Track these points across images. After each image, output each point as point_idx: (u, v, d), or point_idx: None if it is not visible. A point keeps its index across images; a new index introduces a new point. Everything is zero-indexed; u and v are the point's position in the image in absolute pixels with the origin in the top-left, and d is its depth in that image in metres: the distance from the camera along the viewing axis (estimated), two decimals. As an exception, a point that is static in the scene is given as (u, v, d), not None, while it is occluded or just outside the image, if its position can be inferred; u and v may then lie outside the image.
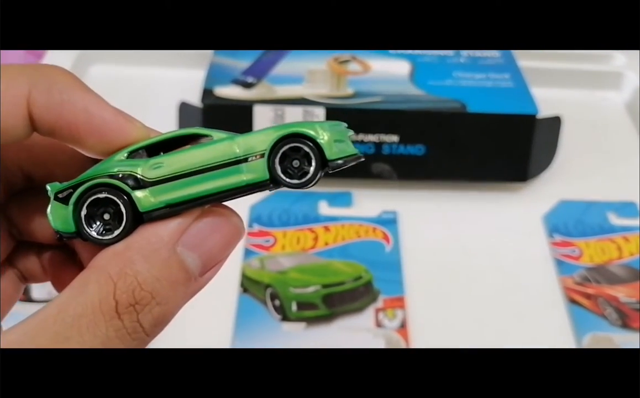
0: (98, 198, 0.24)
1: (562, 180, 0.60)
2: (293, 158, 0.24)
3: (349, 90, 0.58)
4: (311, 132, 0.24)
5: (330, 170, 0.24)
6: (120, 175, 0.24)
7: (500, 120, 0.57)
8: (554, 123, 0.61)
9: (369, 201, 0.58)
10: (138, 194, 0.24)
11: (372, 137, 0.57)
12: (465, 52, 0.65)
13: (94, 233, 0.24)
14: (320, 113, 0.56)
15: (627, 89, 0.71)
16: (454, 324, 0.49)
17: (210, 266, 0.24)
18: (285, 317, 0.49)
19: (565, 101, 0.67)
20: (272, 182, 0.24)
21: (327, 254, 0.53)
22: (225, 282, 0.51)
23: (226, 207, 0.25)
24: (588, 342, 0.47)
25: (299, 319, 0.48)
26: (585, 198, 0.59)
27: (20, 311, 0.43)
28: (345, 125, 0.26)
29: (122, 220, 0.24)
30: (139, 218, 0.24)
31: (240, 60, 0.62)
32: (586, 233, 0.55)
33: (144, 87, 0.68)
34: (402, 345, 0.47)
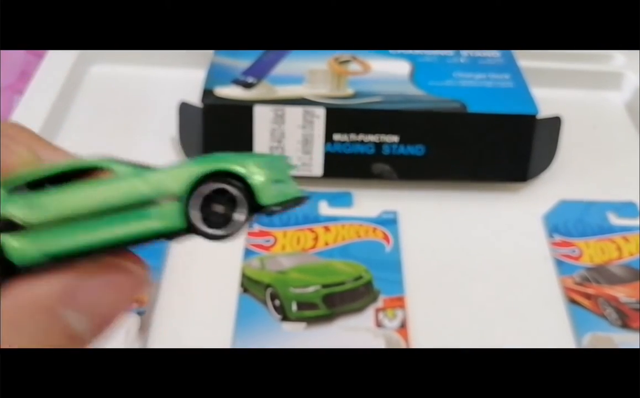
0: None
1: (562, 180, 0.60)
2: (216, 201, 0.20)
3: (349, 90, 0.58)
4: (241, 171, 0.20)
5: (266, 214, 0.20)
6: None
7: (501, 120, 0.57)
8: (554, 123, 0.60)
9: (369, 201, 0.57)
10: (13, 243, 0.20)
11: (372, 137, 0.57)
12: (465, 52, 0.65)
13: None
14: (320, 113, 0.56)
15: (627, 89, 0.71)
16: (454, 324, 0.49)
17: (105, 326, 0.21)
18: (286, 317, 0.48)
19: (565, 101, 0.66)
20: (188, 231, 0.20)
21: (327, 254, 0.53)
22: (225, 282, 0.51)
23: (127, 253, 0.21)
24: (588, 342, 0.47)
25: (299, 319, 0.48)
26: (585, 198, 0.58)
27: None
28: (288, 159, 0.23)
29: None
30: (13, 269, 0.20)
31: (241, 60, 0.62)
32: (586, 234, 0.55)
33: (144, 87, 0.68)
34: (402, 345, 0.46)
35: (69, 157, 0.22)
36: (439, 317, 0.49)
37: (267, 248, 0.53)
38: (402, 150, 0.57)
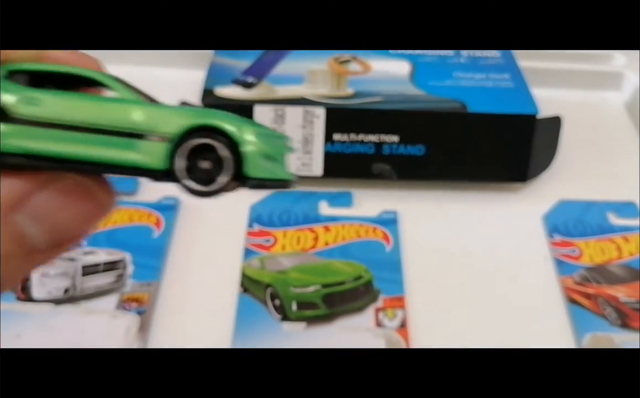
0: None
1: (562, 180, 0.60)
2: (203, 157, 0.20)
3: (349, 90, 0.58)
4: (234, 132, 0.20)
5: (247, 186, 0.20)
6: None
7: (501, 120, 0.57)
8: (554, 123, 0.60)
9: (369, 201, 0.57)
10: None
11: (372, 137, 0.57)
12: (465, 52, 0.65)
13: None
14: (320, 113, 0.56)
15: (627, 89, 0.71)
16: (454, 324, 0.49)
17: (63, 240, 0.21)
18: (286, 317, 0.48)
19: (565, 101, 0.66)
20: (167, 176, 0.20)
21: (328, 254, 0.53)
22: (225, 281, 0.51)
23: (99, 178, 0.21)
24: (588, 341, 0.47)
25: (299, 319, 0.48)
26: (585, 198, 0.58)
27: (20, 310, 0.43)
28: (288, 140, 0.22)
29: None
30: None
31: (241, 60, 0.62)
32: (586, 233, 0.55)
33: (144, 87, 0.67)
34: (402, 345, 0.46)
35: (75, 57, 0.22)
36: (439, 316, 0.49)
37: (267, 248, 0.53)
38: (402, 150, 0.57)
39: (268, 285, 0.50)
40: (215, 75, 0.59)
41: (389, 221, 0.56)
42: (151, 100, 0.21)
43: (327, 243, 0.54)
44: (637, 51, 0.69)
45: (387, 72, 0.61)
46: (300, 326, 0.48)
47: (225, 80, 0.59)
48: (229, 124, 0.20)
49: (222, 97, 0.57)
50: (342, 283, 0.50)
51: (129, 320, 0.46)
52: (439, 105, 0.57)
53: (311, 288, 0.50)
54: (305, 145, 0.57)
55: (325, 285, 0.50)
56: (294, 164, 0.57)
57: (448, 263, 0.54)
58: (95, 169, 0.20)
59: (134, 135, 0.20)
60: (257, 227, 0.54)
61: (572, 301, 0.50)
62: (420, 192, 0.59)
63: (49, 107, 0.20)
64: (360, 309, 0.49)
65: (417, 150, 0.57)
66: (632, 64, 0.71)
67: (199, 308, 0.50)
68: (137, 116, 0.20)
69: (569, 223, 0.56)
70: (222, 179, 0.20)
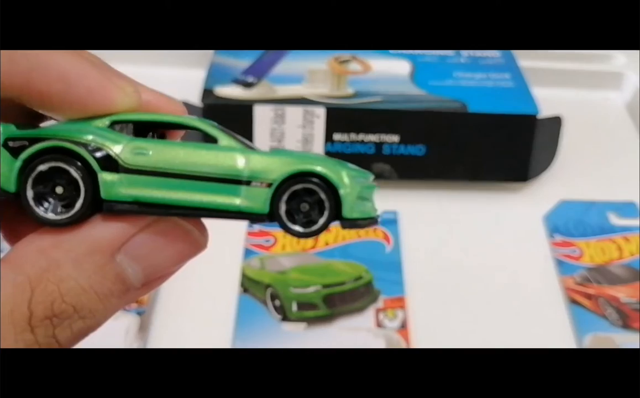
0: (55, 166, 0.21)
1: (563, 181, 0.60)
2: (303, 200, 0.21)
3: (350, 90, 0.58)
4: (334, 179, 0.21)
5: (343, 226, 0.22)
6: (91, 146, 0.21)
7: (501, 120, 0.57)
8: (555, 123, 0.60)
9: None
10: (106, 177, 0.21)
11: (372, 137, 0.57)
12: (465, 52, 0.65)
13: (34, 205, 0.20)
14: (320, 113, 0.56)
15: (628, 89, 0.71)
16: (455, 324, 0.49)
17: (154, 279, 0.22)
18: (286, 317, 0.48)
19: (566, 101, 0.66)
20: (269, 218, 0.21)
21: (328, 254, 0.53)
22: (225, 282, 0.51)
23: (196, 220, 0.22)
24: (589, 342, 0.47)
25: (299, 319, 0.48)
26: (585, 198, 0.58)
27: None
28: (372, 178, 0.24)
29: (76, 201, 0.21)
30: (97, 205, 0.21)
31: (241, 60, 0.62)
32: (586, 234, 0.55)
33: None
34: (402, 345, 0.46)
35: (164, 101, 0.23)
36: (440, 317, 0.49)
37: (267, 248, 0.53)
38: (402, 150, 0.57)
39: (268, 286, 0.50)
40: (215, 75, 0.59)
41: (389, 221, 0.56)
42: (249, 147, 0.22)
43: (327, 244, 0.54)
44: (637, 51, 0.70)
45: (388, 72, 0.61)
46: (300, 326, 0.48)
47: (225, 80, 0.59)
48: (327, 169, 0.21)
49: (222, 97, 0.57)
50: (342, 283, 0.50)
51: (129, 321, 0.46)
52: (439, 105, 0.57)
53: (311, 289, 0.50)
54: (305, 145, 0.57)
55: (325, 286, 0.50)
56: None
57: (448, 263, 0.54)
58: (198, 213, 0.21)
59: (238, 181, 0.21)
60: (257, 227, 0.54)
61: (573, 301, 0.50)
62: (421, 192, 0.59)
63: (156, 157, 0.21)
64: (360, 310, 0.49)
65: (418, 150, 0.57)
66: (633, 64, 0.71)
67: (198, 308, 0.49)
68: (241, 163, 0.21)
69: (570, 223, 0.56)
70: (322, 221, 0.21)
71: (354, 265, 0.52)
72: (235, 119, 0.56)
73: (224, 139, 0.22)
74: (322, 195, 0.21)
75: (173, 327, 0.48)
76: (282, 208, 0.21)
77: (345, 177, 0.21)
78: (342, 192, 0.21)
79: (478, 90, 0.59)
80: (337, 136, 0.57)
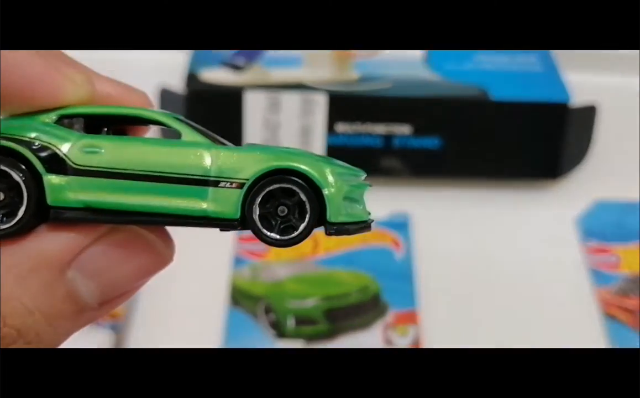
0: None
1: (598, 177, 0.60)
2: (280, 202, 0.21)
3: (354, 74, 0.58)
4: (317, 177, 0.21)
5: (327, 232, 0.21)
6: (35, 145, 0.21)
7: (527, 110, 0.57)
8: (589, 112, 0.60)
9: (377, 201, 0.55)
10: (53, 180, 0.21)
11: (380, 128, 0.56)
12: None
13: None
14: (321, 100, 0.56)
15: (672, 74, 0.70)
16: (475, 342, 0.49)
17: (113, 298, 0.21)
18: (281, 334, 0.48)
19: (601, 88, 0.65)
20: (242, 224, 0.21)
21: (329, 262, 0.53)
22: (212, 294, 0.51)
23: (160, 229, 0.22)
24: (628, 362, 0.47)
25: (296, 336, 0.48)
26: (623, 197, 0.58)
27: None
28: (365, 176, 0.23)
29: (19, 209, 0.20)
30: (43, 213, 0.21)
31: (230, 40, 0.62)
32: (625, 238, 0.55)
33: (120, 71, 0.67)
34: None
35: (121, 91, 0.23)
36: (457, 333, 0.49)
37: (259, 255, 0.53)
38: (414, 142, 0.57)
39: (261, 298, 0.50)
40: (200, 57, 0.59)
41: (399, 224, 0.56)
42: (218, 142, 0.22)
43: (328, 250, 0.54)
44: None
45: (398, 54, 0.61)
46: (297, 344, 0.48)
47: (212, 62, 0.59)
48: (308, 165, 0.21)
49: (209, 82, 0.57)
50: (345, 295, 0.50)
51: (101, 338, 0.46)
52: (457, 91, 0.57)
53: (310, 302, 0.50)
54: (303, 137, 0.56)
55: (326, 298, 0.50)
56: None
57: (468, 272, 0.53)
58: (159, 221, 0.21)
59: (204, 182, 0.21)
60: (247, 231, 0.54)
61: (609, 316, 0.50)
62: (436, 191, 0.59)
63: (110, 155, 0.21)
64: (366, 325, 0.49)
65: (432, 143, 0.57)
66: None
67: (181, 324, 0.49)
68: (208, 161, 0.21)
69: (606, 226, 0.56)
70: (303, 226, 0.21)
71: (359, 275, 0.52)
72: (222, 107, 0.56)
73: (188, 134, 0.22)
74: (303, 196, 0.21)
75: (151, 345, 0.48)
76: (256, 212, 0.21)
77: (329, 175, 0.21)
78: (326, 192, 0.21)
79: (501, 74, 0.59)
80: (340, 127, 0.56)
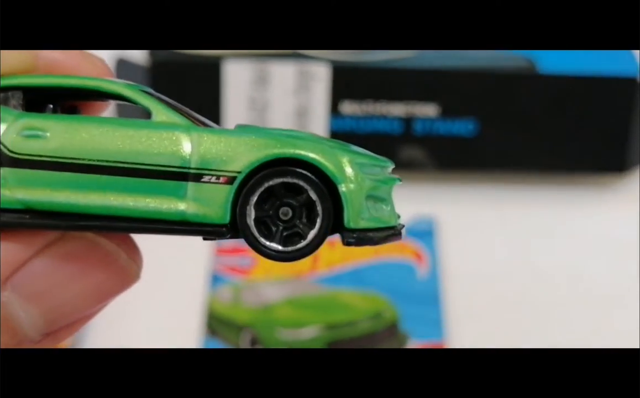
0: None
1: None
2: (283, 202, 0.21)
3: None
4: (330, 168, 0.21)
5: (346, 242, 0.21)
6: None
7: (585, 86, 0.56)
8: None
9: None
10: None
11: (399, 109, 0.56)
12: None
13: None
14: (321, 72, 0.55)
15: None
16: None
17: (62, 327, 0.21)
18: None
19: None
20: (231, 230, 0.21)
21: (333, 281, 0.52)
22: (183, 322, 0.50)
23: (123, 236, 0.22)
24: None
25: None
26: None
27: None
28: (392, 167, 0.23)
29: None
30: None
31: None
32: None
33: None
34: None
35: (84, 63, 0.23)
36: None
37: (243, 271, 0.53)
38: (442, 127, 0.57)
39: (245, 327, 0.50)
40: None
41: (422, 232, 0.55)
42: (200, 123, 0.22)
43: (331, 265, 0.53)
44: None
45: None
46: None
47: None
48: (320, 153, 0.21)
49: (177, 51, 0.56)
50: (353, 324, 0.50)
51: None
52: (496, 62, 0.56)
53: (309, 332, 0.49)
54: (298, 119, 0.56)
55: (329, 327, 0.50)
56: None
57: (510, 292, 0.53)
58: (123, 226, 0.21)
59: (182, 175, 0.21)
60: (229, 241, 0.53)
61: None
62: (469, 190, 0.58)
63: (59, 140, 0.21)
64: (380, 363, 0.49)
65: (465, 127, 0.57)
66: None
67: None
68: (187, 147, 0.21)
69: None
70: (313, 234, 0.21)
71: (370, 297, 0.52)
72: (196, 83, 0.56)
73: (160, 112, 0.21)
74: (313, 194, 0.21)
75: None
76: (251, 215, 0.21)
77: (347, 166, 0.21)
78: (343, 188, 0.21)
79: (552, 41, 0.59)
80: (346, 107, 0.56)
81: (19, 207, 0.20)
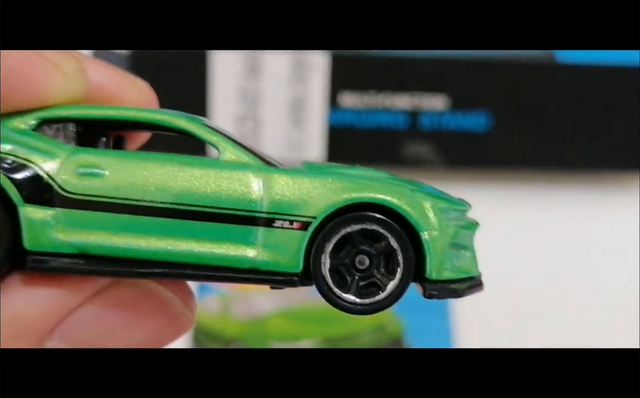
0: None
1: None
2: (360, 250, 0.21)
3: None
4: (413, 215, 0.21)
5: (427, 294, 0.21)
6: (7, 163, 0.20)
7: (610, 77, 0.55)
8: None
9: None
10: (33, 213, 0.20)
11: (404, 101, 0.55)
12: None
13: None
14: (319, 61, 0.54)
15: None
16: None
17: None
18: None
19: None
20: (304, 279, 0.21)
21: None
22: None
23: (179, 283, 0.22)
24: None
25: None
26: None
27: None
28: (469, 208, 0.23)
29: None
30: (17, 258, 0.20)
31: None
32: None
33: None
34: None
35: (129, 88, 0.23)
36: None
37: None
38: (451, 121, 0.56)
39: (235, 341, 0.49)
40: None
41: (429, 236, 0.54)
42: (268, 162, 0.22)
43: None
44: None
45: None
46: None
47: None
48: (401, 197, 0.21)
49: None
50: (354, 337, 0.50)
51: None
52: (512, 51, 0.55)
53: (305, 346, 0.49)
54: (293, 113, 0.55)
55: (327, 341, 0.49)
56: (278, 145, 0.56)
57: (523, 301, 0.52)
58: (186, 274, 0.21)
59: (253, 219, 0.21)
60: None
61: None
62: (480, 190, 0.55)
63: (117, 179, 0.20)
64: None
65: (476, 121, 0.56)
66: None
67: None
68: (257, 189, 0.21)
69: None
70: (393, 285, 0.21)
71: None
72: (180, 73, 0.55)
73: (228, 150, 0.21)
74: (394, 242, 0.21)
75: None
76: (327, 264, 0.21)
77: (430, 211, 0.21)
78: (426, 236, 0.21)
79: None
80: (346, 99, 0.55)
81: (72, 251, 0.20)
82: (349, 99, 0.55)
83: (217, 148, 0.22)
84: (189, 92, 0.55)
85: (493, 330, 0.51)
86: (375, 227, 0.21)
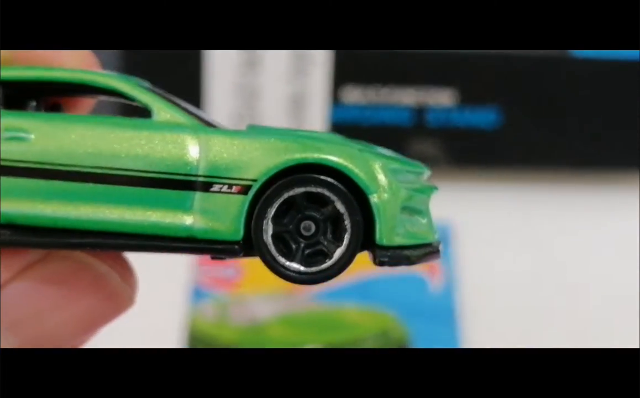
0: None
1: None
2: (306, 215, 0.20)
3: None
4: (361, 175, 0.20)
5: (378, 261, 0.20)
6: None
7: (625, 71, 0.55)
8: None
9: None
10: None
11: (409, 96, 0.55)
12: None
13: None
14: (320, 55, 0.53)
15: None
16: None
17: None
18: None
19: None
20: (245, 248, 0.20)
21: (334, 295, 0.52)
22: (161, 342, 0.49)
23: (117, 256, 0.21)
24: None
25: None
26: None
27: None
28: (428, 173, 0.22)
29: None
30: None
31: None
32: None
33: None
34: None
35: (73, 54, 0.23)
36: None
37: (230, 283, 0.51)
38: (459, 117, 0.55)
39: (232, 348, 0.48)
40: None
41: (436, 239, 0.54)
42: (206, 122, 0.21)
43: None
44: None
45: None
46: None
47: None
48: (348, 158, 0.20)
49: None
50: (357, 342, 0.50)
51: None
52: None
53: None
54: (293, 109, 0.54)
55: (330, 347, 0.48)
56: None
57: (534, 307, 0.51)
58: (119, 244, 0.20)
59: (189, 184, 0.20)
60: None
61: None
62: (490, 190, 0.56)
63: (45, 143, 0.20)
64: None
65: (485, 117, 0.55)
66: None
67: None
68: (194, 152, 0.20)
69: None
70: (340, 252, 0.20)
71: (376, 314, 0.52)
72: (175, 68, 0.54)
73: (163, 110, 0.21)
74: (340, 206, 0.20)
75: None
76: (268, 230, 0.20)
77: (380, 172, 0.20)
78: (375, 198, 0.20)
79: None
80: (348, 94, 0.55)
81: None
82: (352, 94, 0.55)
83: (150, 108, 0.21)
84: (184, 88, 0.54)
85: (503, 339, 0.51)
86: (320, 189, 0.20)
